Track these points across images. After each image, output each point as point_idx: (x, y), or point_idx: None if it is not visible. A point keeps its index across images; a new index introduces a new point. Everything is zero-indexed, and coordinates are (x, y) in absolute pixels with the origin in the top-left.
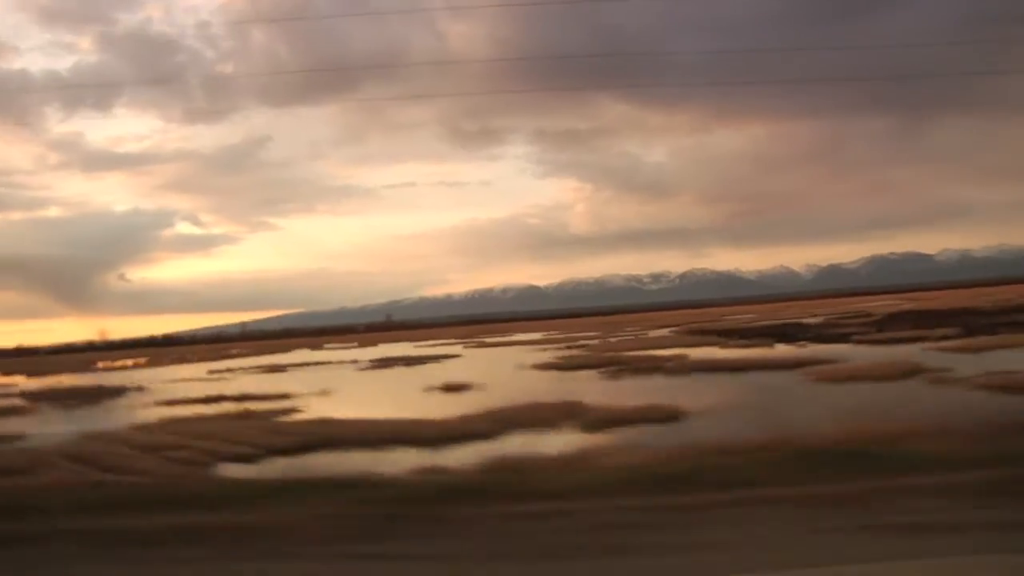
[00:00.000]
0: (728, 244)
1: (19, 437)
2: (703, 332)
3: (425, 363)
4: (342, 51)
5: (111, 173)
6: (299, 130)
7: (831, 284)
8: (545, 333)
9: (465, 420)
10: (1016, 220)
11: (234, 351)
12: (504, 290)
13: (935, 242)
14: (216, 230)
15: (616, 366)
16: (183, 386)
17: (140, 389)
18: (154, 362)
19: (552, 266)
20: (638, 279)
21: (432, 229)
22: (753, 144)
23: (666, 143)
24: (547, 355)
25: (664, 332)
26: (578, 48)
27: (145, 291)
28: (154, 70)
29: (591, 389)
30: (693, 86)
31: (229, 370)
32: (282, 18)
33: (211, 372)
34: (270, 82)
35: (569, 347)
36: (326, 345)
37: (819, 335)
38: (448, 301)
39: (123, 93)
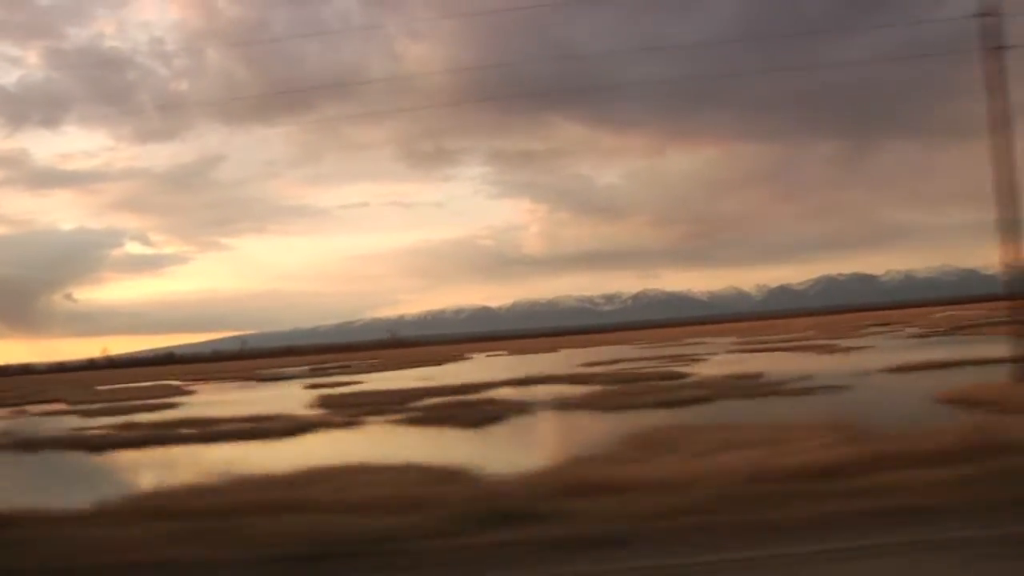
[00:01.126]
0: (680, 265)
1: None
2: None
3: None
4: (298, 71)
5: (58, 191)
6: (253, 149)
7: (781, 305)
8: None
9: None
10: (957, 242)
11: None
12: (457, 311)
13: (880, 263)
14: (166, 250)
15: None
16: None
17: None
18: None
19: (505, 287)
20: (591, 300)
21: (385, 250)
22: (705, 166)
23: (620, 165)
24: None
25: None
26: (534, 70)
27: (92, 312)
28: (105, 87)
29: None
30: (647, 109)
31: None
32: (238, 37)
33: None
34: (224, 101)
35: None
36: (468, 355)
37: None
38: (400, 322)
39: (72, 109)
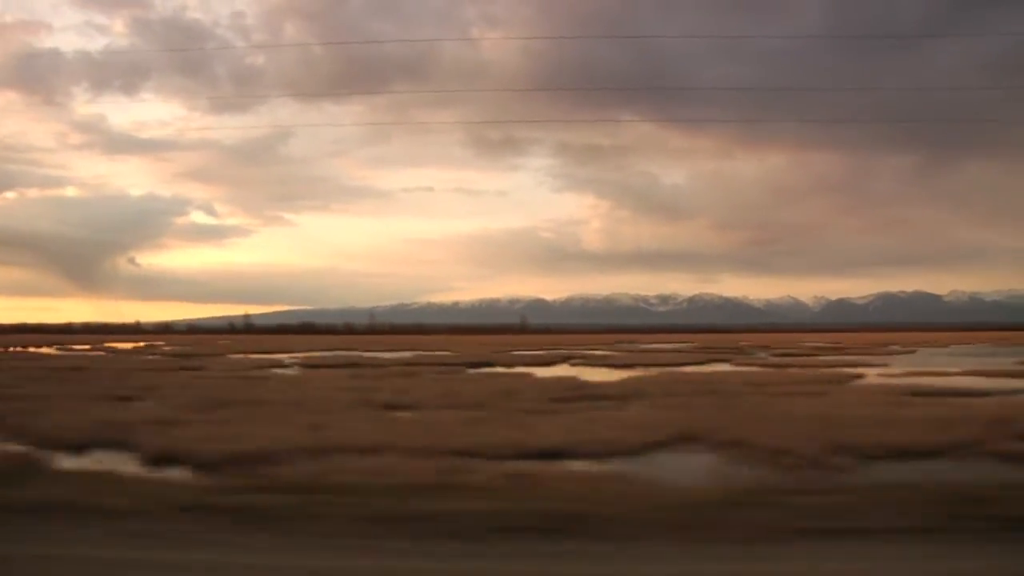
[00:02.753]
0: (738, 271)
1: None
2: None
3: None
4: (374, 51)
5: (131, 157)
6: (322, 127)
7: (838, 318)
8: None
9: None
10: None
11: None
12: (512, 301)
13: (945, 283)
14: (229, 221)
15: None
16: None
17: None
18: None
19: (560, 281)
20: (646, 300)
21: (444, 235)
22: (771, 173)
23: (686, 166)
24: None
25: None
26: (609, 65)
27: (153, 277)
28: (184, 57)
29: None
30: (719, 111)
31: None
32: (316, 13)
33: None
34: (298, 77)
35: None
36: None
37: None
38: (454, 308)
39: (151, 78)
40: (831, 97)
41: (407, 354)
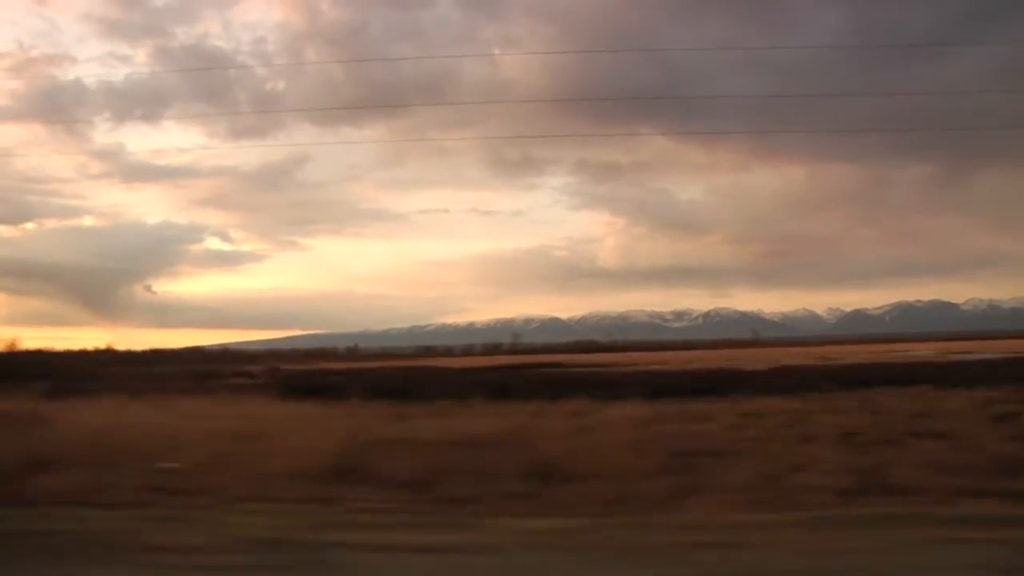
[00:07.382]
0: (753, 284)
1: None
2: None
3: None
4: (393, 75)
5: (149, 185)
6: (339, 151)
7: (854, 329)
8: None
9: None
10: None
11: None
12: (527, 320)
13: (962, 291)
14: (244, 247)
15: None
16: None
17: None
18: None
19: (575, 299)
20: (661, 316)
21: (459, 256)
22: (787, 185)
23: (702, 180)
24: None
25: None
26: (628, 82)
27: (169, 304)
28: (204, 85)
29: None
30: (736, 124)
31: None
32: (337, 37)
33: None
34: (317, 102)
35: None
36: None
37: None
38: (470, 329)
39: (172, 106)
40: (846, 108)
41: None
